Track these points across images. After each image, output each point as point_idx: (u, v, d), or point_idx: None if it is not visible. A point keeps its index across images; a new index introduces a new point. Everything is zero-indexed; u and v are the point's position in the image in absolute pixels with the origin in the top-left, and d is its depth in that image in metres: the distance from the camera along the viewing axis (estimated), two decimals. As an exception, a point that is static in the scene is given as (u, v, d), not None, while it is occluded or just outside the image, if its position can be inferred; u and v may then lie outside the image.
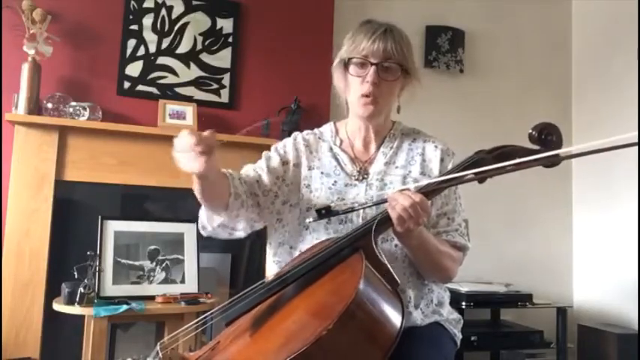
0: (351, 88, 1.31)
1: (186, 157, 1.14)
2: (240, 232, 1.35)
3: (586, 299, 3.40)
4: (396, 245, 1.27)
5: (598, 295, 3.34)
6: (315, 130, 1.46)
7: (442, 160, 1.36)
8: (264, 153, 1.41)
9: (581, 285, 3.48)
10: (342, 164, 1.35)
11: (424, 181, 1.18)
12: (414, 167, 1.35)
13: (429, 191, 1.13)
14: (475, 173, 1.08)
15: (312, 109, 2.80)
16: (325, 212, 1.15)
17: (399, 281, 1.05)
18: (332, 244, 1.10)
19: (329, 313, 0.90)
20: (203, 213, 1.32)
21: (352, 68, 1.29)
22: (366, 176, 1.33)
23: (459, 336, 1.35)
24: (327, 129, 1.45)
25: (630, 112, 3.13)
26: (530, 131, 1.15)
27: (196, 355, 1.10)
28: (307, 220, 1.22)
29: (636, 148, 0.82)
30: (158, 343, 1.12)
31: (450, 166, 1.32)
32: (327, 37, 2.95)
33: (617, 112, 3.26)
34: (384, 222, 1.11)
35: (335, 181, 1.33)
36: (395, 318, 0.97)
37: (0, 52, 2.41)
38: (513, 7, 3.56)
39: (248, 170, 1.38)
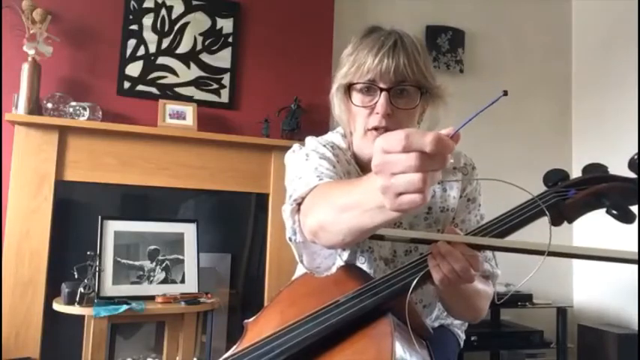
0: (358, 118, 1.02)
1: (423, 178, 0.57)
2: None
3: (586, 299, 3.40)
4: None
5: (598, 295, 3.34)
6: (330, 141, 1.13)
7: (464, 189, 1.14)
8: (313, 155, 1.04)
9: (581, 285, 3.48)
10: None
11: (490, 240, 0.95)
12: (433, 200, 1.13)
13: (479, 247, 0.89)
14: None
15: (312, 109, 2.80)
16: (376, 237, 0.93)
17: (431, 331, 0.91)
18: (357, 297, 0.86)
19: None
20: (322, 231, 0.85)
21: (356, 96, 1.01)
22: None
23: (462, 337, 1.34)
24: (335, 137, 1.15)
25: (630, 112, 3.14)
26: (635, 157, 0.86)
27: None
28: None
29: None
30: None
31: (467, 189, 1.12)
32: (327, 37, 2.95)
33: (617, 112, 3.27)
34: (423, 280, 0.88)
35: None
36: None
37: (0, 52, 2.41)
38: (513, 7, 3.56)
39: (319, 173, 0.98)
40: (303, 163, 1.01)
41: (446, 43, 3.31)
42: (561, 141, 3.60)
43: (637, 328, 2.97)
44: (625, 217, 0.90)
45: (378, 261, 1.11)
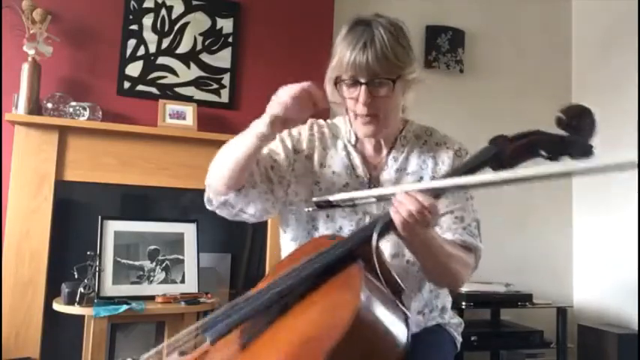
0: (348, 107, 1.20)
1: (299, 102, 1.03)
2: (250, 217, 1.23)
3: (586, 299, 3.40)
4: (407, 261, 1.21)
5: (598, 295, 3.34)
6: (330, 124, 1.35)
7: (452, 159, 1.27)
8: (278, 135, 1.27)
9: (581, 285, 3.48)
10: (354, 166, 1.28)
11: (432, 182, 1.07)
12: (425, 172, 1.26)
13: (438, 192, 1.00)
14: (485, 183, 0.96)
15: (312, 109, 2.79)
16: (325, 205, 1.10)
17: (404, 288, 0.95)
18: (329, 250, 0.98)
19: (326, 334, 0.81)
20: (214, 184, 1.20)
21: (344, 88, 1.17)
22: (377, 185, 1.25)
23: (459, 339, 1.35)
24: (341, 124, 1.33)
25: (630, 112, 3.14)
26: (560, 115, 1.01)
27: None
28: (306, 209, 1.15)
29: (636, 152, 0.78)
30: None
31: None
32: (327, 37, 2.94)
33: (617, 112, 3.26)
34: (386, 227, 0.98)
35: (347, 183, 1.26)
36: (400, 333, 0.87)
37: (0, 52, 2.41)
38: (513, 7, 3.56)
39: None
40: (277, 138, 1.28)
41: (446, 43, 3.31)
42: (561, 141, 3.60)
43: (637, 328, 2.97)
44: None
45: None
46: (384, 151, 1.28)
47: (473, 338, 2.68)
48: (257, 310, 0.96)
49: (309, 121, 1.34)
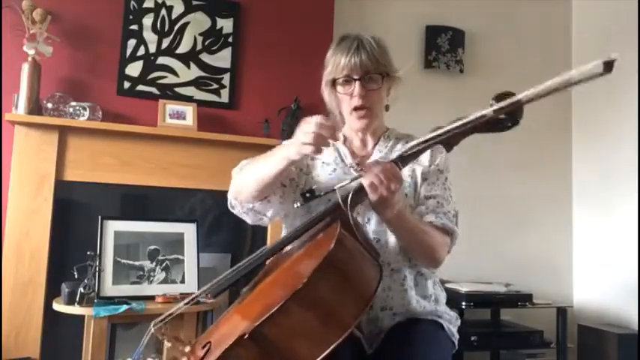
0: (343, 103, 1.38)
1: (315, 136, 1.12)
2: (267, 219, 1.40)
3: (586, 299, 3.40)
4: (384, 245, 1.33)
5: (598, 295, 3.34)
6: None
7: (432, 155, 1.40)
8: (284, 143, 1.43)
9: (581, 285, 3.48)
10: (342, 156, 1.42)
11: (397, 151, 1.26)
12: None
13: (404, 158, 1.18)
14: (436, 136, 1.14)
15: (312, 109, 2.78)
16: (310, 195, 1.18)
17: (378, 251, 1.12)
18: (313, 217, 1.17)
19: (305, 270, 0.96)
20: (238, 193, 1.35)
21: (339, 87, 1.36)
22: (363, 167, 1.35)
23: (456, 336, 1.36)
24: None
25: (630, 113, 3.14)
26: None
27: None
28: (295, 205, 1.23)
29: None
30: (152, 323, 1.20)
31: (438, 160, 1.40)
32: (327, 37, 2.94)
33: (617, 112, 3.27)
34: (358, 191, 1.14)
35: (334, 169, 1.39)
36: (372, 272, 1.03)
37: (0, 52, 2.41)
38: (513, 7, 3.56)
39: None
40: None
41: (446, 43, 3.31)
42: (561, 141, 3.60)
43: (637, 328, 2.98)
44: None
45: None
46: (370, 145, 1.44)
47: (473, 338, 2.67)
48: (249, 269, 1.16)
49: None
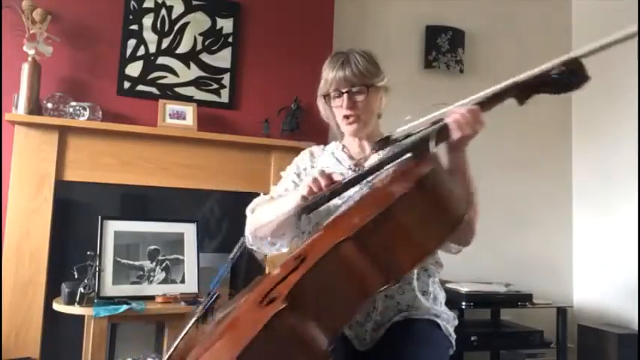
0: (337, 114, 1.48)
1: (317, 180, 1.24)
2: (283, 247, 1.52)
3: (586, 299, 3.40)
4: None
5: (598, 295, 3.34)
6: (321, 146, 1.64)
7: None
8: (283, 175, 1.59)
9: (581, 285, 3.48)
10: (340, 161, 1.51)
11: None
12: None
13: (484, 104, 1.22)
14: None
15: (312, 109, 2.77)
16: (384, 142, 1.24)
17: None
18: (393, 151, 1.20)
19: (404, 184, 0.98)
20: (260, 233, 1.47)
21: (331, 101, 1.46)
22: (362, 168, 1.39)
23: (453, 336, 1.37)
24: (330, 144, 1.61)
25: (630, 113, 3.14)
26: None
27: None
28: (368, 151, 1.38)
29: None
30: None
31: None
32: (327, 37, 2.95)
33: (617, 112, 3.27)
34: (441, 131, 1.16)
35: (334, 171, 1.41)
36: (462, 200, 1.04)
37: (0, 52, 2.41)
38: (513, 7, 3.56)
39: (275, 194, 1.53)
40: (285, 175, 1.58)
41: (446, 43, 3.31)
42: (561, 141, 3.60)
43: (637, 328, 2.98)
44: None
45: None
46: (368, 150, 1.50)
47: (473, 338, 2.67)
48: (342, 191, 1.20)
49: (307, 152, 1.61)
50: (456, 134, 1.16)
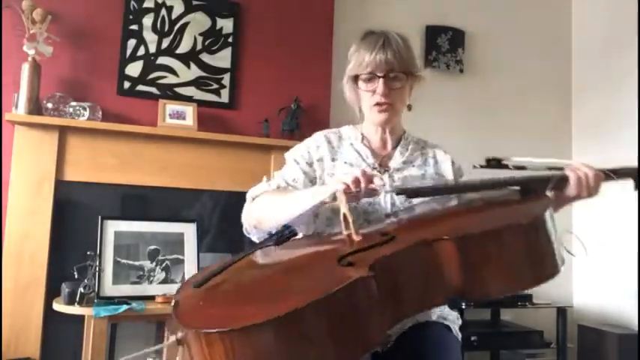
0: (364, 100, 1.37)
1: (359, 181, 1.12)
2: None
3: (586, 299, 3.40)
4: None
5: (598, 295, 3.34)
6: (335, 130, 1.49)
7: (453, 163, 1.44)
8: (291, 159, 1.41)
9: (581, 285, 3.48)
10: (363, 156, 1.40)
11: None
12: (429, 168, 1.42)
13: (608, 175, 1.25)
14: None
15: (312, 109, 2.80)
16: (495, 162, 1.21)
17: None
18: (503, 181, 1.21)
19: (527, 213, 1.03)
20: (259, 223, 1.32)
21: (361, 84, 1.34)
22: (387, 169, 1.39)
23: (460, 336, 1.37)
24: (345, 129, 1.48)
25: (630, 112, 3.14)
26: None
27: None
28: (473, 167, 1.30)
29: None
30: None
31: (461, 171, 1.46)
32: (327, 37, 2.95)
33: (617, 112, 3.27)
34: (561, 180, 1.20)
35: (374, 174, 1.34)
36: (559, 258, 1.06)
37: (0, 52, 2.41)
38: (513, 7, 3.56)
39: (282, 182, 1.37)
40: (287, 163, 1.42)
41: (446, 43, 3.31)
42: (561, 141, 3.60)
43: (637, 328, 2.98)
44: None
45: None
46: (390, 145, 1.42)
47: (473, 338, 2.68)
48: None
49: (314, 134, 1.47)
50: (572, 190, 1.20)
